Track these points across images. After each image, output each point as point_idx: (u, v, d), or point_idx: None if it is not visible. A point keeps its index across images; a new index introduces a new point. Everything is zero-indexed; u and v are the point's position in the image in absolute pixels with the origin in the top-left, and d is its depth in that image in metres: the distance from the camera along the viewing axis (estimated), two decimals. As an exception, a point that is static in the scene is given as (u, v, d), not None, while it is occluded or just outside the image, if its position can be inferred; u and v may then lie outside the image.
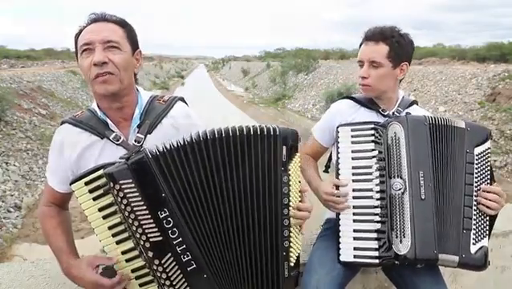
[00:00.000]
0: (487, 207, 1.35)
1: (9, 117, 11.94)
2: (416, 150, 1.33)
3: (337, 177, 1.41)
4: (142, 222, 1.02)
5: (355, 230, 1.36)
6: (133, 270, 1.08)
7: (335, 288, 1.34)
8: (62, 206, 1.28)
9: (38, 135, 12.24)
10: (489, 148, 1.41)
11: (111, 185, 1.02)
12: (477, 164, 1.38)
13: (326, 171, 1.69)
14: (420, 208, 1.30)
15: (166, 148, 1.05)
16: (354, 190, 1.37)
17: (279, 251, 1.13)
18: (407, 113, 1.51)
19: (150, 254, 1.04)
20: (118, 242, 1.07)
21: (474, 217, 1.35)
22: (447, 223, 1.33)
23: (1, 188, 8.88)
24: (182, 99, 1.32)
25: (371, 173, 1.36)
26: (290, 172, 1.12)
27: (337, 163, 1.43)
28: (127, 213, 1.02)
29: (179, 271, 1.06)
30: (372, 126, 1.39)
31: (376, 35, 1.47)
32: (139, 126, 1.20)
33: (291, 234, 1.15)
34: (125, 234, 1.06)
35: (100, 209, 1.05)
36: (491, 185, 1.39)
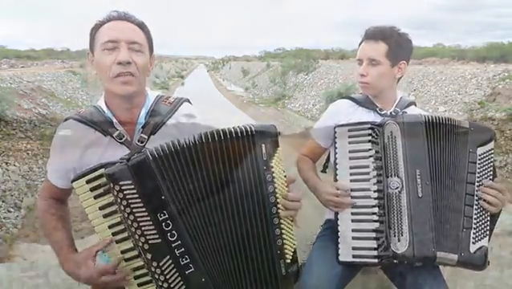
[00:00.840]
0: (488, 203, 1.34)
1: (9, 117, 11.93)
2: (413, 148, 1.33)
3: (335, 178, 1.42)
4: (141, 224, 1.03)
5: (353, 230, 1.36)
6: (132, 270, 1.08)
7: (334, 288, 1.34)
8: (61, 201, 1.29)
9: (38, 135, 12.21)
10: (492, 148, 1.41)
11: (112, 185, 1.02)
12: (479, 163, 1.38)
13: (323, 171, 1.69)
14: (417, 206, 1.30)
15: (166, 148, 1.04)
16: (352, 190, 1.38)
17: (272, 243, 1.10)
18: (404, 113, 1.52)
19: (148, 255, 1.04)
20: (118, 241, 1.07)
21: (475, 216, 1.35)
22: (446, 221, 1.33)
23: (1, 188, 8.88)
24: (188, 101, 1.32)
25: (368, 173, 1.36)
26: (273, 170, 1.09)
27: (335, 163, 1.44)
28: (126, 214, 1.02)
29: (177, 274, 1.06)
30: (369, 126, 1.39)
31: (376, 34, 1.49)
32: (143, 126, 1.20)
33: (283, 226, 1.12)
34: (125, 234, 1.06)
35: (101, 208, 1.06)
36: None
